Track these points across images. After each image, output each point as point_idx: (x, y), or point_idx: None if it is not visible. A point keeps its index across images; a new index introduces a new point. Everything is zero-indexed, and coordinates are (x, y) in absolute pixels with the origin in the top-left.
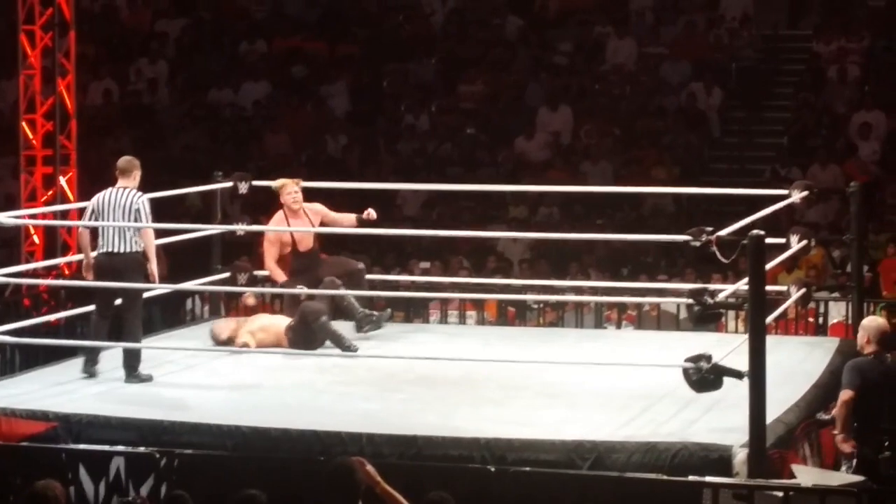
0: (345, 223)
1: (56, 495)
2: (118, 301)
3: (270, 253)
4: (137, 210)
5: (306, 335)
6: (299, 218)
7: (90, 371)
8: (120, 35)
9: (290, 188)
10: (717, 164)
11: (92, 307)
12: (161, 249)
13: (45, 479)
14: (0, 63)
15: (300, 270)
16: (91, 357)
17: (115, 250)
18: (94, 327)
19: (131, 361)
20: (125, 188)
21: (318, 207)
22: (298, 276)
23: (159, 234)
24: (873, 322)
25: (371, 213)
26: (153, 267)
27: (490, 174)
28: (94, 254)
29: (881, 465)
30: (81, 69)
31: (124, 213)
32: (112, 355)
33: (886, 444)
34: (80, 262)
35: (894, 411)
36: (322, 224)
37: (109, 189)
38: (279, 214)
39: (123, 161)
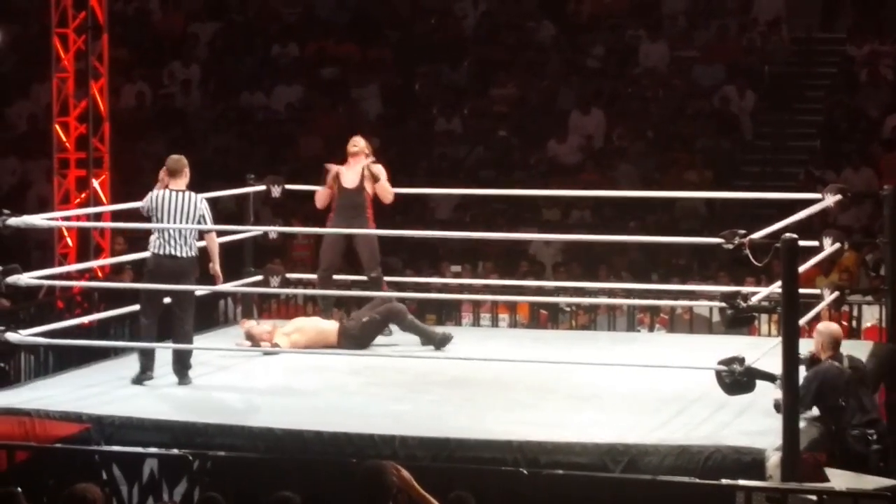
0: (382, 194)
1: (94, 498)
2: (166, 301)
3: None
4: (202, 215)
5: (372, 333)
6: (355, 162)
7: (146, 377)
8: (152, 38)
9: (354, 139)
10: (750, 167)
11: (131, 308)
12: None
13: (85, 482)
14: (33, 66)
15: (341, 206)
16: (147, 363)
17: (178, 254)
18: (145, 331)
19: (184, 363)
20: (181, 191)
21: (379, 166)
22: (337, 215)
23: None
24: (827, 328)
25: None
26: (217, 267)
27: (522, 177)
28: (147, 254)
29: (871, 460)
30: (114, 72)
31: (188, 218)
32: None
33: (873, 437)
34: (115, 264)
35: (866, 404)
36: (370, 173)
37: (164, 191)
38: (340, 166)
39: (172, 161)
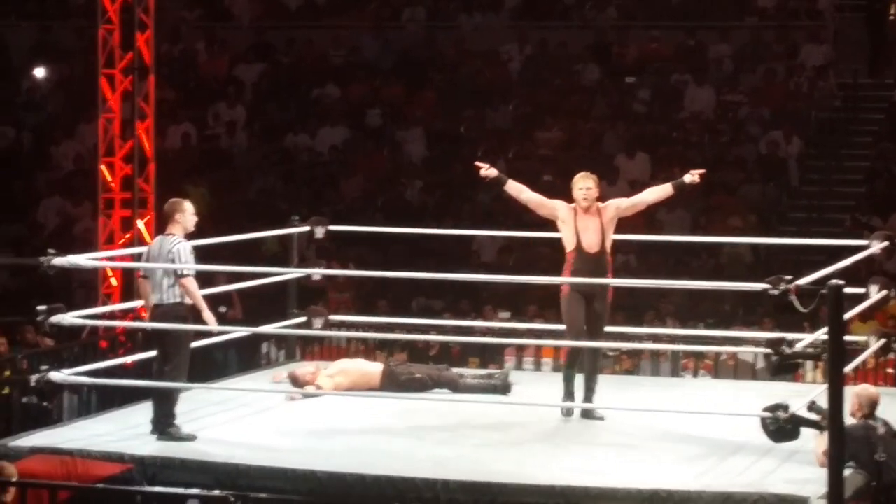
0: (650, 199)
1: None
2: (157, 351)
3: (538, 197)
4: (171, 260)
5: (416, 390)
6: (590, 215)
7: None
8: (198, 79)
9: (580, 183)
10: (796, 212)
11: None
12: (235, 294)
13: None
14: (80, 106)
15: (580, 272)
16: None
17: (157, 302)
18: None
19: (159, 416)
20: (168, 234)
21: (612, 204)
22: (578, 276)
23: (236, 278)
24: (866, 391)
25: (695, 175)
26: (206, 315)
27: None
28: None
29: None
30: (160, 113)
31: (162, 262)
32: (186, 398)
33: None
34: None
35: None
36: (618, 215)
37: (158, 238)
38: (568, 205)
39: (167, 204)
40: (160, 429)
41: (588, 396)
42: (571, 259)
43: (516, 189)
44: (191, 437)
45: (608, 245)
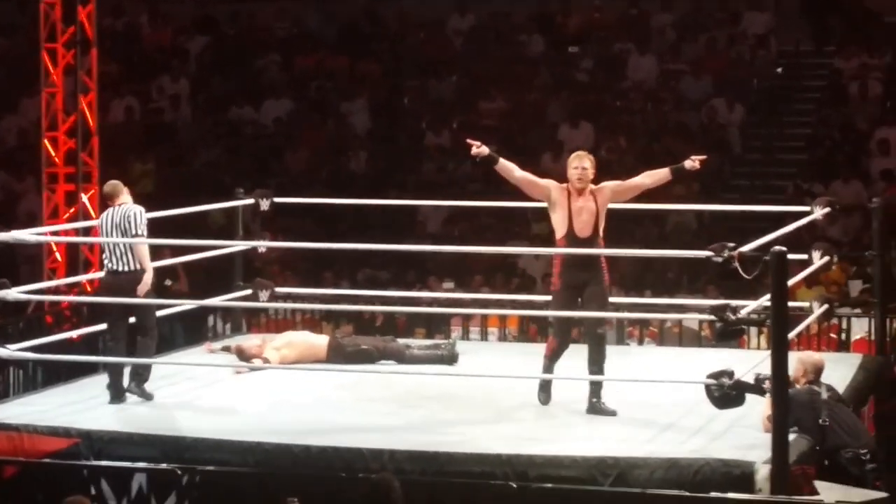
0: (647, 182)
1: None
2: (131, 320)
3: (529, 177)
4: (129, 221)
5: (362, 361)
6: (584, 198)
7: (118, 397)
8: (141, 53)
9: (575, 163)
10: (739, 180)
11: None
12: (181, 267)
13: (75, 495)
14: (22, 81)
15: (572, 260)
16: (116, 383)
17: (119, 269)
18: (112, 353)
19: (141, 372)
20: (121, 204)
21: (607, 186)
22: (568, 268)
23: (181, 251)
24: (810, 358)
25: (695, 161)
26: (146, 277)
27: (511, 191)
28: (101, 273)
29: (867, 480)
30: (103, 87)
31: (121, 231)
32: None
33: (867, 457)
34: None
35: (848, 423)
36: (613, 198)
37: (109, 209)
38: (560, 186)
39: (108, 186)
40: (139, 384)
41: (595, 390)
42: (562, 246)
43: (507, 168)
44: (149, 396)
45: (601, 229)
